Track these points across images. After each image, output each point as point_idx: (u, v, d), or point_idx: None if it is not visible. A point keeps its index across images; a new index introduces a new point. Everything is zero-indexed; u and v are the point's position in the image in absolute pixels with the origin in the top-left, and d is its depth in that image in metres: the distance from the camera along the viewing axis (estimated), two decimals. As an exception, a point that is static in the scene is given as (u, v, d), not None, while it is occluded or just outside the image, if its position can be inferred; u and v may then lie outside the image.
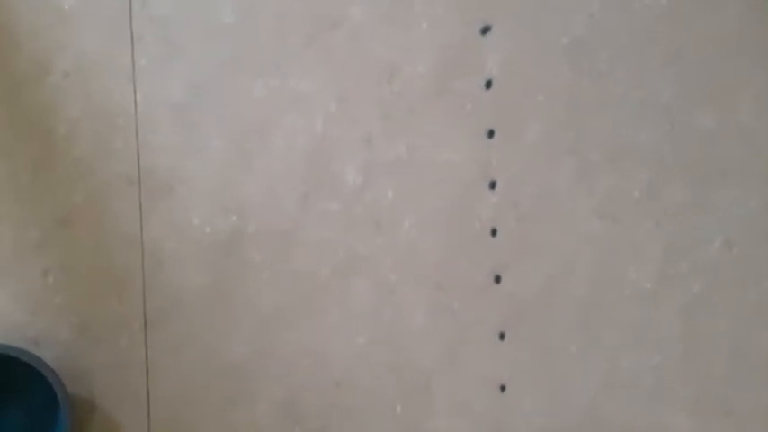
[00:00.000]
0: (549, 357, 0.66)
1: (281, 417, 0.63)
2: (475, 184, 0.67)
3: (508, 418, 0.66)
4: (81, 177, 0.64)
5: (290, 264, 0.65)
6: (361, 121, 0.66)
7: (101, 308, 0.63)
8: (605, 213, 0.67)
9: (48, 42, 0.64)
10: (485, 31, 0.66)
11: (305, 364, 0.64)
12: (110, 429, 0.62)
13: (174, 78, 0.65)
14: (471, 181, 0.67)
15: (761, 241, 0.69)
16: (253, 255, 0.64)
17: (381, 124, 0.66)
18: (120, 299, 0.63)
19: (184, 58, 0.65)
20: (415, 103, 0.66)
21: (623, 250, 0.67)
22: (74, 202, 0.63)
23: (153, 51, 0.65)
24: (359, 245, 0.65)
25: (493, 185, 0.67)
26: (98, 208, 0.64)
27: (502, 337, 0.66)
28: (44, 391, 0.58)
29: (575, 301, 0.66)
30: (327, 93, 0.66)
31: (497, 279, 0.66)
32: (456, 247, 0.66)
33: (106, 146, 0.64)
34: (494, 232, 0.67)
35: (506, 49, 0.66)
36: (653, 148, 0.68)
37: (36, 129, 0.63)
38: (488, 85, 0.66)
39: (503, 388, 0.66)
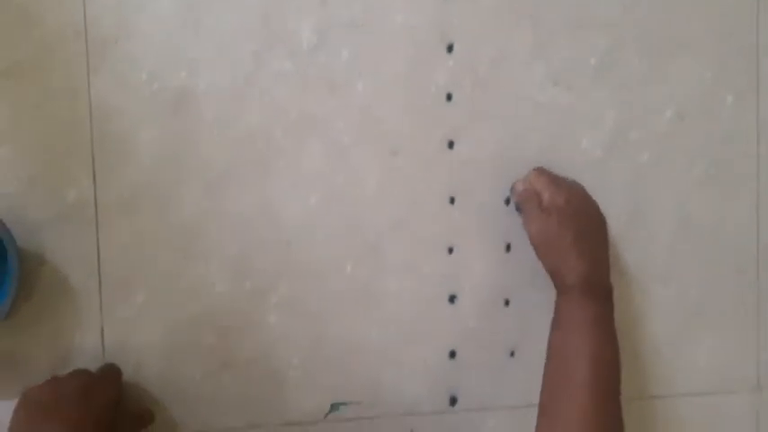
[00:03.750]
0: (497, 221, 0.67)
1: (232, 273, 0.64)
2: (432, 47, 0.66)
3: (454, 279, 0.67)
4: (24, 27, 0.61)
5: (241, 123, 0.64)
6: (316, -23, 0.64)
7: (49, 161, 0.62)
8: (560, 81, 0.67)
9: None
10: None
11: (256, 224, 0.64)
12: (59, 282, 0.62)
13: (123, -72, 0.62)
14: (428, 44, 0.66)
15: (712, 113, 0.70)
16: (203, 112, 0.63)
17: (337, -19, 0.64)
18: (68, 152, 0.62)
19: None
20: (374, -39, 0.64)
21: (576, 118, 0.67)
22: (17, 54, 0.61)
23: None
24: (312, 106, 0.65)
25: (450, 49, 0.66)
26: (43, 59, 0.62)
27: (452, 201, 0.67)
28: (-8, 243, 0.58)
29: (525, 167, 0.67)
30: (282, -52, 0.63)
31: (450, 144, 0.67)
32: (411, 112, 0.66)
33: (50, -5, 0.61)
34: (449, 97, 0.66)
35: None
36: (612, 17, 0.68)
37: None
38: (449, -56, 0.65)
39: (450, 250, 0.67)
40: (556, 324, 0.62)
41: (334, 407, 0.66)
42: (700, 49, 0.69)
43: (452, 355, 0.68)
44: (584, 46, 0.67)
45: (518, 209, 0.65)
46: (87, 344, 0.63)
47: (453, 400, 0.68)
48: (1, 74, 0.61)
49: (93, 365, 0.61)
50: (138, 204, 0.63)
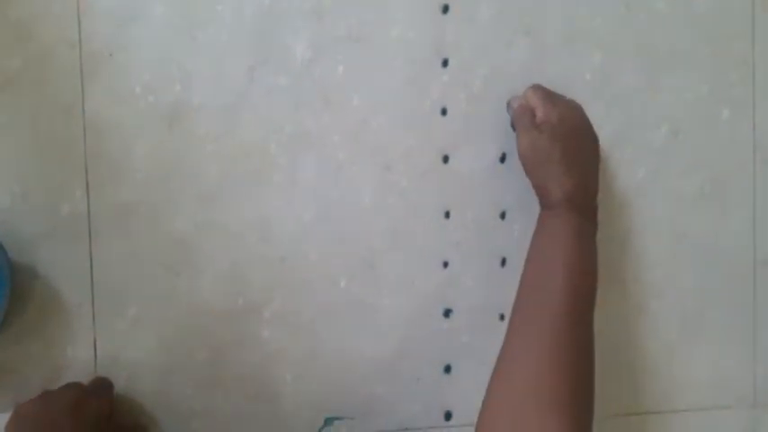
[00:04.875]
0: (492, 235, 0.67)
1: (225, 288, 0.64)
2: (427, 61, 0.66)
3: (449, 293, 0.67)
4: (19, 41, 0.61)
5: (235, 138, 0.64)
6: (311, -9, 0.64)
7: (42, 175, 0.62)
8: (555, 96, 0.67)
9: None
10: None
11: (250, 239, 0.64)
12: (52, 296, 0.62)
13: (118, -59, 0.62)
14: (423, 58, 0.66)
15: (706, 128, 0.70)
16: (197, 126, 0.63)
17: (332, -4, 0.64)
18: (62, 166, 0.62)
19: None
20: (369, -25, 0.64)
21: (571, 133, 0.67)
22: (12, 67, 0.61)
23: None
24: (306, 121, 0.65)
25: (445, 63, 0.66)
26: (37, 73, 0.61)
27: (447, 215, 0.67)
28: (-16, 257, 0.58)
29: (519, 181, 0.66)
30: (277, -38, 0.63)
31: (445, 159, 0.66)
32: (405, 126, 0.66)
33: (45, 8, 0.61)
34: (444, 111, 0.66)
35: None
36: (607, 31, 0.67)
37: (-30, -12, 0.61)
38: (444, -41, 0.65)
39: (445, 264, 0.67)
40: (536, 235, 0.60)
41: (328, 422, 0.65)
42: (695, 64, 0.69)
43: (447, 369, 0.67)
44: (578, 61, 0.67)
45: (513, 125, 0.64)
46: (80, 357, 0.63)
47: (448, 416, 0.68)
48: (-5, 87, 0.61)
49: (85, 379, 0.61)
50: (132, 218, 0.63)
